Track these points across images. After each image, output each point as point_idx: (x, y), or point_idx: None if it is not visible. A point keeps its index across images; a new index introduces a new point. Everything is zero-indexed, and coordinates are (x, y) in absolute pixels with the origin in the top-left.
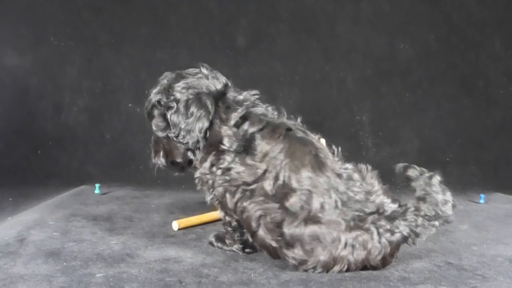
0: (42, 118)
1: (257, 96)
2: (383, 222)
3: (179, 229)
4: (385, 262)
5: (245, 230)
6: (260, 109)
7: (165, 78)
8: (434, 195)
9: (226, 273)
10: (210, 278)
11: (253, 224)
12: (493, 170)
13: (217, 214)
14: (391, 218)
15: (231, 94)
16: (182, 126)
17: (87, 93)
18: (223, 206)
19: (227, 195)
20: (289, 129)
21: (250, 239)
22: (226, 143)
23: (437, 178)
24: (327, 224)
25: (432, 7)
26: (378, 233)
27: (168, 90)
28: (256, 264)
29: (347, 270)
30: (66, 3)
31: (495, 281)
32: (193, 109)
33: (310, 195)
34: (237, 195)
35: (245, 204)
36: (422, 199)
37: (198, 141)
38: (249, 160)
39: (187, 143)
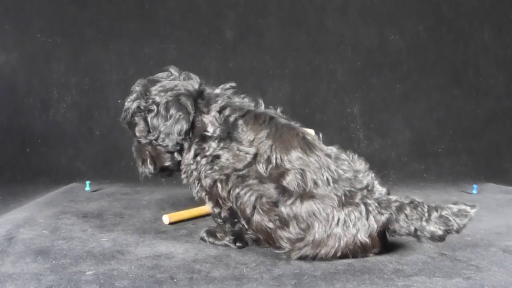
0: (30, 115)
1: (232, 89)
2: (371, 201)
3: (170, 223)
4: (373, 242)
5: (236, 220)
6: (238, 99)
7: (139, 85)
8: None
9: (218, 268)
10: (202, 273)
11: (248, 210)
12: (485, 160)
13: (207, 208)
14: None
15: (208, 90)
16: (162, 129)
17: (75, 90)
18: (212, 196)
19: (218, 185)
20: (272, 117)
21: (246, 226)
22: (210, 129)
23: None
24: (321, 199)
25: None
26: (367, 210)
27: (145, 95)
28: (249, 259)
29: (336, 251)
30: None
31: (489, 271)
32: (172, 111)
33: (304, 173)
34: (230, 183)
35: (237, 190)
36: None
37: (177, 144)
38: (236, 146)
39: (167, 145)
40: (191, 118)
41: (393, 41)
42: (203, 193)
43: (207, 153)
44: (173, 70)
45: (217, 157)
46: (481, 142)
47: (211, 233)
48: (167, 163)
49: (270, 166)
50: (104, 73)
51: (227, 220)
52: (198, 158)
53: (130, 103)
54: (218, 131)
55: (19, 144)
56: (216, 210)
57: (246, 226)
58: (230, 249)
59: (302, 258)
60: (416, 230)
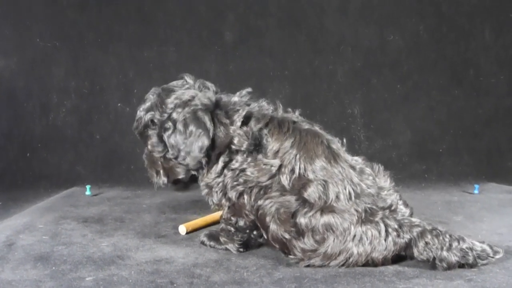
0: (30, 120)
1: (249, 95)
2: (392, 222)
3: (187, 233)
4: (385, 261)
5: (248, 231)
6: (256, 105)
7: (153, 94)
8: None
9: (218, 272)
10: (202, 278)
11: (267, 219)
12: (486, 159)
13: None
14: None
15: (224, 99)
16: (181, 147)
17: (75, 94)
18: (236, 208)
19: (245, 196)
20: (294, 122)
21: (265, 236)
22: (237, 143)
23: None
24: (341, 214)
25: None
26: (386, 231)
27: (161, 107)
28: (249, 263)
29: (348, 263)
30: (50, 3)
31: (490, 272)
32: (191, 128)
33: (326, 185)
34: (253, 195)
35: (260, 202)
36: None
37: (199, 162)
38: (261, 158)
39: (188, 164)
40: (211, 134)
41: (393, 41)
42: (227, 203)
43: (233, 167)
44: (188, 78)
45: (243, 170)
46: (482, 142)
47: (212, 236)
48: (181, 176)
49: (294, 176)
50: (103, 77)
51: (241, 230)
52: (225, 171)
53: (143, 113)
54: (245, 145)
55: (19, 149)
56: (234, 219)
57: (264, 235)
58: (231, 253)
59: (309, 266)
60: (434, 258)
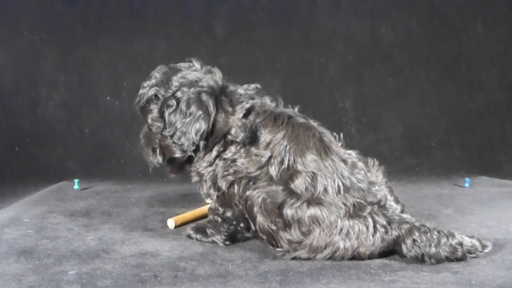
0: (18, 114)
1: (256, 89)
2: (380, 218)
3: (175, 227)
4: (372, 256)
5: (235, 223)
6: (259, 100)
7: (159, 72)
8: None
9: (203, 265)
10: (187, 271)
11: (255, 210)
12: (478, 153)
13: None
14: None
15: (230, 88)
16: (178, 126)
17: (64, 88)
18: (226, 198)
19: (235, 187)
20: (290, 117)
21: (253, 227)
22: (234, 134)
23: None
24: (328, 207)
25: None
26: (374, 226)
27: (166, 83)
28: (235, 256)
29: (334, 257)
30: None
31: (477, 265)
32: (193, 108)
33: (315, 177)
34: (242, 186)
35: (248, 193)
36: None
37: (194, 143)
38: (253, 150)
39: (182, 144)
40: (211, 119)
41: (385, 35)
42: (215, 193)
43: (225, 157)
44: (195, 62)
45: (234, 161)
46: (474, 136)
47: (199, 229)
48: (177, 155)
49: (282, 167)
50: (93, 71)
51: (228, 222)
52: (217, 160)
53: (147, 89)
54: (241, 137)
55: (7, 144)
56: (221, 209)
57: (252, 226)
58: (217, 246)
59: (295, 259)
60: (423, 255)
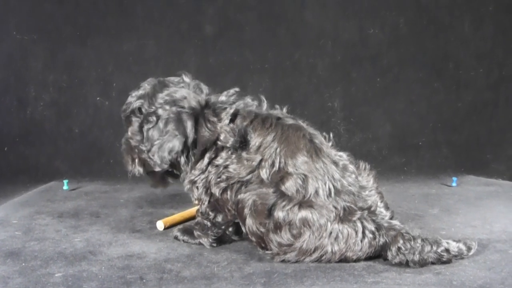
0: (7, 114)
1: (236, 93)
2: (370, 224)
3: (165, 229)
4: (357, 260)
5: (224, 227)
6: (242, 102)
7: (148, 84)
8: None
9: (189, 267)
10: (173, 273)
11: (245, 211)
12: (465, 152)
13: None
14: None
15: (212, 100)
16: (155, 143)
17: (53, 87)
18: (222, 203)
19: (229, 192)
20: (278, 118)
21: (243, 229)
22: (223, 139)
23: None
24: (319, 210)
25: None
26: (363, 232)
27: (151, 99)
28: (221, 257)
29: (322, 260)
30: None
31: (459, 265)
32: (170, 127)
33: (306, 179)
34: (234, 191)
35: (240, 196)
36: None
37: (167, 162)
38: (244, 155)
39: (155, 162)
40: (190, 139)
41: (373, 34)
42: (207, 198)
43: (217, 163)
44: (185, 77)
45: (226, 167)
46: (462, 135)
47: (186, 231)
48: (156, 169)
49: (273, 170)
50: (82, 70)
51: (218, 226)
52: (209, 167)
53: (134, 99)
54: (231, 142)
55: None
56: (212, 214)
57: (243, 228)
58: (203, 248)
59: (284, 262)
60: (407, 261)
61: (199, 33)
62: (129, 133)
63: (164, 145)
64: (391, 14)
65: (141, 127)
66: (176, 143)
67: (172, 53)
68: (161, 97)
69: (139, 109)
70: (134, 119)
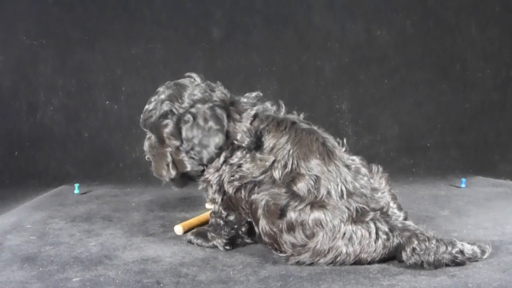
0: (17, 118)
1: (257, 98)
2: (383, 224)
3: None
4: (371, 262)
5: (237, 227)
6: (261, 106)
7: (167, 88)
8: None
9: (205, 271)
10: (189, 277)
11: (259, 212)
12: (473, 153)
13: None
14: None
15: (235, 98)
16: (197, 142)
17: (62, 92)
18: (235, 202)
19: (242, 191)
20: (293, 122)
21: (256, 230)
22: (240, 139)
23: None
24: (331, 210)
25: None
26: (376, 233)
27: (180, 99)
28: (236, 261)
29: (336, 261)
30: (36, 1)
31: (474, 268)
32: (211, 123)
33: (318, 180)
34: (247, 191)
35: (253, 196)
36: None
37: (212, 156)
38: (258, 155)
39: (201, 158)
40: (225, 130)
41: (380, 36)
42: (219, 197)
43: (231, 162)
44: (196, 76)
45: (239, 166)
46: (469, 136)
47: (199, 234)
48: (189, 169)
49: (286, 171)
50: (91, 75)
51: (230, 225)
52: (224, 165)
53: (159, 104)
54: (246, 142)
55: (7, 148)
56: (225, 213)
57: (256, 229)
58: (218, 251)
59: (299, 263)
60: (422, 262)
61: (207, 36)
62: (165, 135)
63: (210, 140)
64: (398, 16)
65: (178, 127)
66: (221, 137)
67: (180, 56)
68: (187, 96)
69: (171, 110)
70: (166, 121)
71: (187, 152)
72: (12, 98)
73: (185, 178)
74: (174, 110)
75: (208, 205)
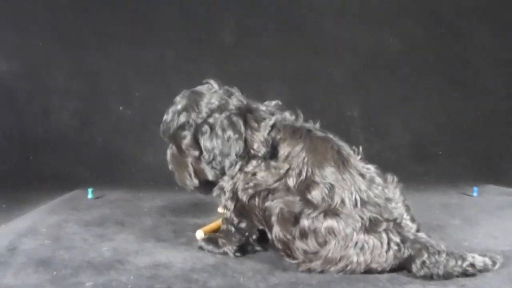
0: (32, 122)
1: (277, 106)
2: (395, 235)
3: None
4: (381, 272)
5: (248, 234)
6: (280, 116)
7: (184, 98)
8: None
9: (215, 277)
10: (200, 283)
11: (272, 219)
12: (485, 161)
13: None
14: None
15: (252, 104)
16: (218, 152)
17: (76, 96)
18: (249, 209)
19: (256, 199)
20: (309, 130)
21: (269, 236)
22: (256, 148)
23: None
24: (345, 219)
25: None
26: (388, 243)
27: (196, 109)
28: (246, 268)
29: (347, 270)
30: (51, 5)
31: (484, 278)
32: (229, 132)
33: (332, 188)
34: (261, 198)
35: (267, 204)
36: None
37: (232, 165)
38: (272, 163)
39: (223, 167)
40: (244, 138)
41: (391, 43)
42: (232, 203)
43: (246, 170)
44: (214, 83)
45: (254, 174)
46: (481, 144)
47: (210, 240)
48: (210, 178)
49: (300, 179)
50: (104, 79)
51: (241, 232)
52: (239, 173)
53: (176, 116)
54: (263, 152)
55: (21, 152)
56: (236, 220)
57: (268, 235)
58: (228, 258)
59: (310, 271)
60: (432, 275)
61: (219, 41)
62: (184, 146)
63: (231, 149)
64: (409, 22)
65: (195, 139)
66: (241, 144)
67: (192, 61)
68: (204, 105)
69: (187, 122)
70: (185, 133)
71: (208, 163)
72: (27, 103)
73: (209, 185)
74: (191, 121)
75: (220, 210)
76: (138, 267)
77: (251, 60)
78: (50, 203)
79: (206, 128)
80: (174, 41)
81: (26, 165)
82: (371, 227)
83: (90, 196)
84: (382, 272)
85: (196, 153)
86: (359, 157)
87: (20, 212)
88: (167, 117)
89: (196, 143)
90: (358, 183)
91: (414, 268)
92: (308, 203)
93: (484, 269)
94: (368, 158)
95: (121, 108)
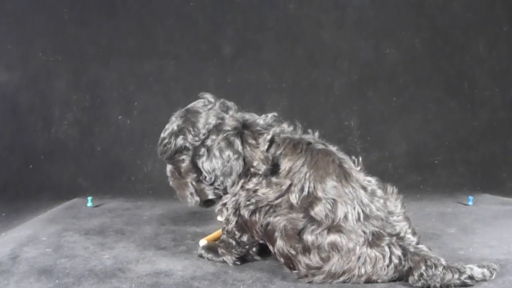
0: (32, 132)
1: (274, 118)
2: (397, 249)
3: None
4: (381, 282)
5: (248, 247)
6: (278, 128)
7: (179, 118)
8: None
9: (215, 285)
10: None
11: (275, 234)
12: (481, 171)
13: None
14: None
15: (249, 118)
16: (219, 173)
17: (77, 107)
18: (250, 225)
19: (257, 215)
20: (309, 143)
21: (271, 249)
22: (257, 166)
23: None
24: (347, 235)
25: (416, 11)
26: (390, 258)
27: (193, 130)
28: (245, 276)
29: (347, 282)
30: (52, 18)
31: (479, 286)
32: (228, 152)
33: (335, 204)
34: (263, 214)
35: (269, 219)
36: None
37: (234, 183)
38: (274, 179)
39: (226, 186)
40: (242, 156)
41: (389, 54)
42: (235, 218)
43: (247, 187)
44: (210, 97)
45: (255, 191)
46: (477, 153)
47: (210, 249)
48: (210, 197)
49: (303, 195)
50: (104, 90)
51: (242, 245)
52: (240, 190)
53: (173, 139)
54: (263, 170)
55: (22, 161)
56: (238, 234)
57: (271, 249)
58: (228, 266)
59: (311, 283)
60: (429, 286)
61: (218, 53)
62: (182, 170)
63: (232, 169)
64: (407, 34)
65: (193, 162)
66: (240, 163)
67: (192, 73)
68: (201, 126)
69: (185, 146)
70: (182, 157)
71: (211, 184)
72: (28, 113)
73: (210, 201)
74: (188, 145)
75: (219, 218)
76: (139, 275)
77: (250, 71)
78: (50, 212)
79: (203, 150)
80: (174, 53)
81: (27, 174)
82: (373, 241)
83: (89, 204)
84: (381, 283)
85: (196, 175)
86: (359, 168)
87: (20, 221)
88: (164, 135)
89: (194, 166)
90: (360, 197)
91: (411, 279)
92: (312, 220)
93: (483, 280)
94: (366, 167)
95: (120, 117)
